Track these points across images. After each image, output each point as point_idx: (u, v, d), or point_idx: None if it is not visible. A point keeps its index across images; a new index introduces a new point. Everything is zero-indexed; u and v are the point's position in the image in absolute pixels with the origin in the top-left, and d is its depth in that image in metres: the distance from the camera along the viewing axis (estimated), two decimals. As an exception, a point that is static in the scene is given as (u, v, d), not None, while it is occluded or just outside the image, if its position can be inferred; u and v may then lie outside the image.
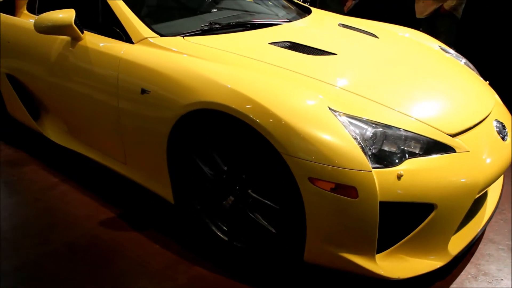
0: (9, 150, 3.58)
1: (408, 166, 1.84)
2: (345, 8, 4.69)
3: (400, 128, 1.92)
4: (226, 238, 2.25)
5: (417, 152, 1.90)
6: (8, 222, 2.70)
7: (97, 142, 2.87)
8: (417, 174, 1.84)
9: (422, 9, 4.54)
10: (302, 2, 3.91)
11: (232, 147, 2.10)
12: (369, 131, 1.86)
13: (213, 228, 2.29)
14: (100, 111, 2.64)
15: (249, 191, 2.10)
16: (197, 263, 2.31)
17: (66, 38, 2.74)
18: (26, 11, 3.39)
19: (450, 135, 2.00)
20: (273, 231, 2.05)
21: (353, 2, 4.65)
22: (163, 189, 2.42)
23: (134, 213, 2.73)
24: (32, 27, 2.79)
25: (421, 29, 4.32)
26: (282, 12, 3.17)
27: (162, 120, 2.22)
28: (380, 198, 1.78)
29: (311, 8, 3.34)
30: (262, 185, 2.06)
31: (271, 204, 2.02)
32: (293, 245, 1.99)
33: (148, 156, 2.44)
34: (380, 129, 1.89)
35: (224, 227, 2.27)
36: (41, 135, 3.31)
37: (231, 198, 2.18)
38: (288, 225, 1.98)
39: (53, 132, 3.25)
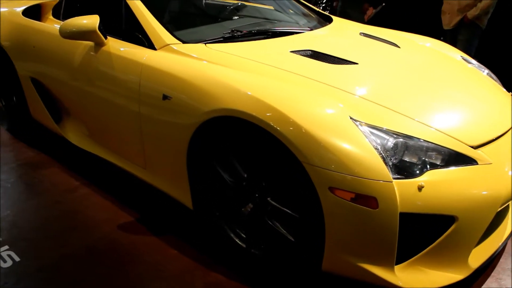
0: (31, 153, 3.63)
1: (429, 177, 1.82)
2: (366, 17, 4.68)
3: (421, 139, 1.91)
4: (244, 245, 2.26)
5: (438, 163, 1.88)
6: (29, 223, 2.74)
7: (117, 146, 2.90)
8: (438, 186, 1.82)
9: (448, 21, 4.52)
10: (322, 10, 3.91)
11: (252, 155, 2.10)
12: (391, 142, 1.85)
13: (231, 234, 2.29)
14: (121, 116, 2.67)
15: (268, 198, 2.11)
16: (214, 269, 2.32)
17: (89, 43, 2.78)
18: (51, 17, 3.46)
19: (472, 146, 1.98)
20: (292, 239, 2.05)
21: (374, 11, 4.64)
22: (182, 194, 2.43)
23: (152, 218, 2.75)
24: (57, 32, 2.84)
25: (442, 38, 4.29)
26: (303, 21, 3.17)
27: (183, 126, 2.23)
28: (400, 209, 1.77)
29: (332, 16, 3.34)
30: (282, 193, 2.06)
31: (290, 212, 2.02)
32: (311, 254, 1.98)
33: (168, 161, 2.46)
34: (401, 139, 1.88)
35: (242, 234, 2.28)
36: (62, 138, 3.36)
37: (250, 205, 2.19)
38: (306, 234, 1.98)
39: (74, 136, 3.30)
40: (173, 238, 2.54)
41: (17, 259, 2.42)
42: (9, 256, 2.44)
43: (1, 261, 2.40)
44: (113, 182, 3.13)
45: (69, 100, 3.22)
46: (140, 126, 2.51)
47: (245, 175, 2.16)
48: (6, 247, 2.51)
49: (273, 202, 2.09)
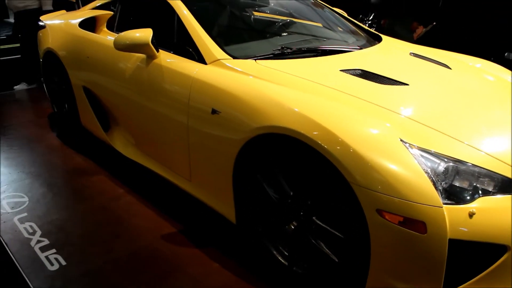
0: (79, 159, 3.75)
1: (481, 204, 1.77)
2: (415, 36, 4.58)
3: (473, 164, 1.86)
4: (286, 263, 2.24)
5: (490, 190, 1.83)
6: (76, 228, 2.82)
7: (163, 157, 2.95)
8: (490, 213, 1.77)
9: None
10: (367, 27, 3.88)
11: (299, 172, 2.10)
12: (442, 166, 1.81)
13: (274, 251, 2.29)
14: (169, 127, 2.72)
15: (313, 217, 2.09)
16: (255, 285, 2.31)
17: (141, 55, 2.86)
18: (105, 29, 3.57)
19: (526, 174, 1.92)
20: (335, 259, 2.03)
21: (424, 30, 4.54)
22: (226, 208, 2.45)
23: (195, 230, 2.77)
24: (110, 44, 2.93)
25: (492, 59, 4.17)
26: (352, 39, 3.16)
27: (231, 141, 2.26)
28: (449, 235, 1.72)
29: (381, 35, 3.31)
30: (327, 212, 2.04)
31: (335, 232, 2.00)
32: (355, 275, 1.95)
33: (213, 175, 2.48)
34: (452, 164, 1.84)
35: (284, 252, 2.27)
36: (110, 146, 3.45)
37: (294, 223, 2.18)
38: (351, 255, 1.95)
39: (121, 145, 3.38)
40: (215, 251, 2.56)
41: (63, 262, 2.49)
42: (56, 259, 2.52)
43: (49, 264, 2.48)
44: (157, 192, 3.18)
45: (119, 110, 3.31)
46: (187, 138, 2.55)
47: (291, 193, 2.16)
48: (54, 250, 2.59)
49: (318, 221, 2.08)
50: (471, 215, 1.74)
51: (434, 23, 4.52)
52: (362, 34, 3.30)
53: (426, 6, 4.57)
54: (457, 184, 1.81)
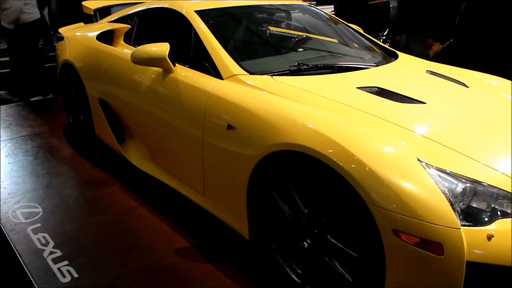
0: (93, 170, 3.77)
1: (499, 226, 1.74)
2: (431, 53, 4.55)
3: (492, 186, 1.83)
4: (299, 281, 2.22)
5: (509, 212, 1.80)
6: (89, 240, 2.82)
7: (177, 170, 2.95)
8: (509, 236, 1.73)
9: None
10: (382, 43, 3.87)
11: (314, 190, 2.08)
12: (459, 187, 1.79)
13: (287, 269, 2.27)
14: (184, 141, 2.73)
15: (328, 236, 2.07)
16: (267, 302, 2.30)
17: (158, 69, 2.88)
18: (122, 42, 3.61)
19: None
20: (350, 279, 2.00)
21: (441, 47, 4.51)
22: (239, 224, 2.44)
23: (208, 244, 2.76)
24: (127, 57, 2.96)
25: (508, 76, 4.13)
26: (368, 55, 3.15)
27: (246, 157, 2.25)
28: (467, 257, 1.69)
29: (398, 52, 3.30)
30: (342, 231, 2.02)
31: (350, 251, 1.98)
32: (370, 296, 1.93)
33: (227, 190, 2.47)
34: (470, 184, 1.81)
35: (298, 270, 2.24)
36: (124, 159, 3.46)
37: (308, 241, 2.16)
38: (366, 275, 1.92)
39: (135, 157, 3.40)
40: (228, 266, 2.54)
41: (75, 275, 2.49)
42: (68, 271, 2.51)
43: (61, 276, 2.48)
44: (170, 205, 3.17)
45: (134, 122, 3.33)
46: (202, 153, 2.55)
47: (305, 211, 2.14)
48: (66, 262, 2.59)
49: (332, 240, 2.05)
50: (489, 237, 1.71)
51: (451, 40, 4.49)
52: (378, 51, 3.29)
53: (443, 23, 4.55)
54: (475, 205, 1.78)
